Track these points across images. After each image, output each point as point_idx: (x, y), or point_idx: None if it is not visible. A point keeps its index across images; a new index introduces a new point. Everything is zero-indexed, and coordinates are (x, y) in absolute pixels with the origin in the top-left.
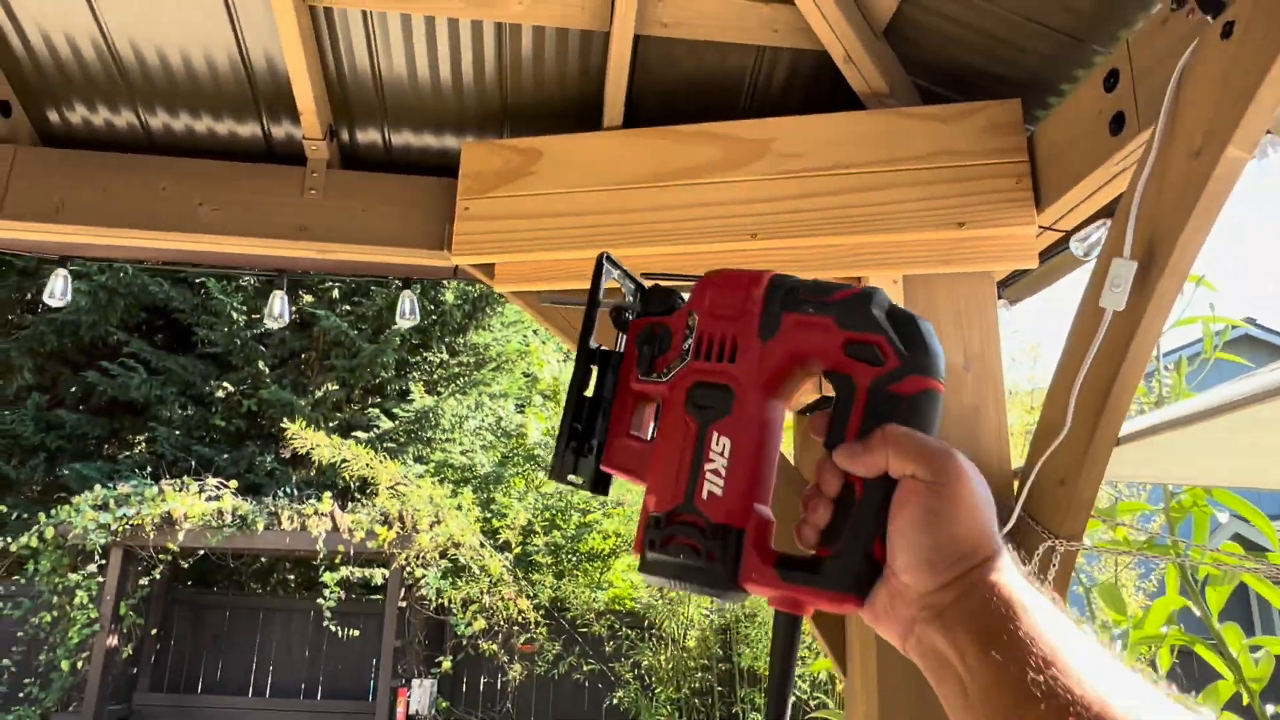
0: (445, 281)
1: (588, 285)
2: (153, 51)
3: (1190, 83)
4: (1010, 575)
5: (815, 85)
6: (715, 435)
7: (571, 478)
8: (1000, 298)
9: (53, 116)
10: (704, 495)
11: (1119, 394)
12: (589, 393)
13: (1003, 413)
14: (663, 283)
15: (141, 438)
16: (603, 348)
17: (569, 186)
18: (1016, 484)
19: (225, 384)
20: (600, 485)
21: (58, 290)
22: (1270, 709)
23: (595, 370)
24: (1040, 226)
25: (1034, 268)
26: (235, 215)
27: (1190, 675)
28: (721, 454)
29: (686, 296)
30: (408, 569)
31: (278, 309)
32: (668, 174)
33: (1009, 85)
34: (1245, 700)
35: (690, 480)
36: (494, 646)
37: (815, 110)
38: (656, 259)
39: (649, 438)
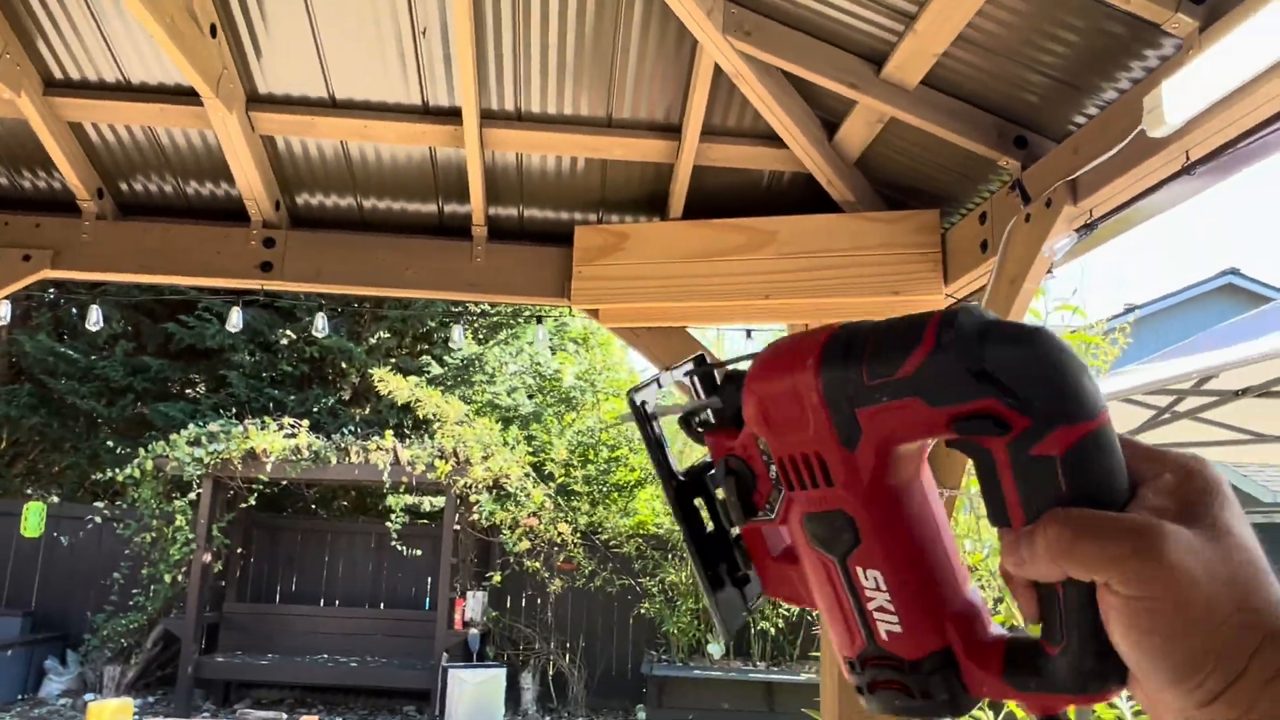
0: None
1: (661, 324)
2: (372, 153)
3: (1011, 243)
4: None
5: (807, 192)
6: (859, 571)
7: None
8: None
9: (300, 202)
10: (883, 636)
11: None
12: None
13: None
14: (718, 370)
15: (215, 381)
16: (696, 471)
17: (648, 259)
18: None
19: (289, 333)
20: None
21: (319, 325)
22: None
23: (701, 502)
24: (946, 295)
25: None
26: (428, 276)
27: None
28: (877, 588)
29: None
30: (461, 496)
31: (456, 336)
32: (712, 252)
33: (934, 198)
34: None
35: (862, 623)
36: (537, 564)
37: (808, 209)
38: (707, 309)
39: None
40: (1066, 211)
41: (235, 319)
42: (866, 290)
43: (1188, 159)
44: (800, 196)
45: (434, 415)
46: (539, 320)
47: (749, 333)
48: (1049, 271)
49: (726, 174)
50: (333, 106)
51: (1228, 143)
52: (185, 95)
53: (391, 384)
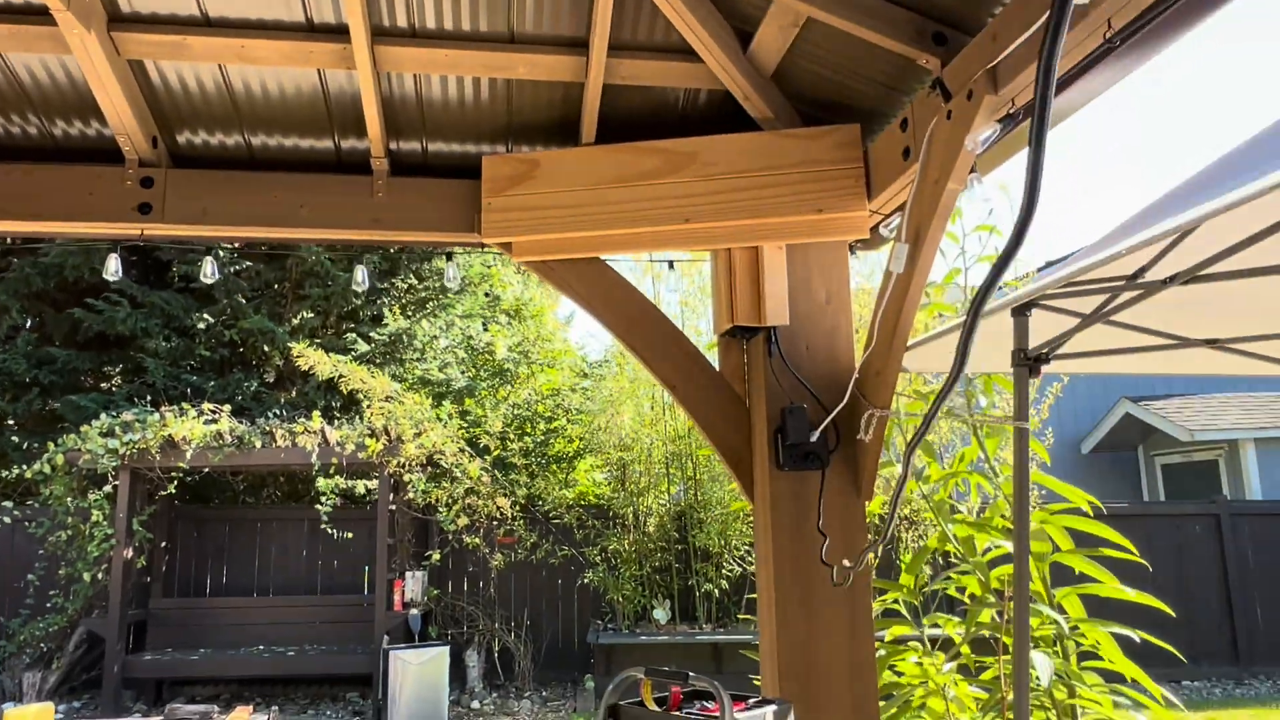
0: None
1: (579, 256)
2: (258, 87)
3: (933, 142)
4: None
5: (725, 110)
6: None
7: None
8: (854, 252)
9: (181, 140)
10: None
11: (904, 320)
12: None
13: (850, 329)
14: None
15: (130, 370)
16: None
17: (561, 187)
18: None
19: (206, 315)
20: None
21: (208, 270)
22: None
23: None
24: (870, 211)
25: (868, 237)
26: (326, 214)
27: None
28: None
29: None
30: (395, 475)
31: (360, 277)
32: (628, 177)
33: (855, 113)
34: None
35: None
36: (477, 540)
37: (726, 129)
38: (625, 236)
39: None
40: (988, 102)
41: (113, 266)
42: (789, 210)
43: (1109, 28)
44: (718, 117)
45: (360, 392)
46: (449, 257)
47: (670, 264)
48: (973, 170)
49: (640, 94)
50: (206, 25)
51: (1149, 6)
52: (36, 15)
53: (311, 359)
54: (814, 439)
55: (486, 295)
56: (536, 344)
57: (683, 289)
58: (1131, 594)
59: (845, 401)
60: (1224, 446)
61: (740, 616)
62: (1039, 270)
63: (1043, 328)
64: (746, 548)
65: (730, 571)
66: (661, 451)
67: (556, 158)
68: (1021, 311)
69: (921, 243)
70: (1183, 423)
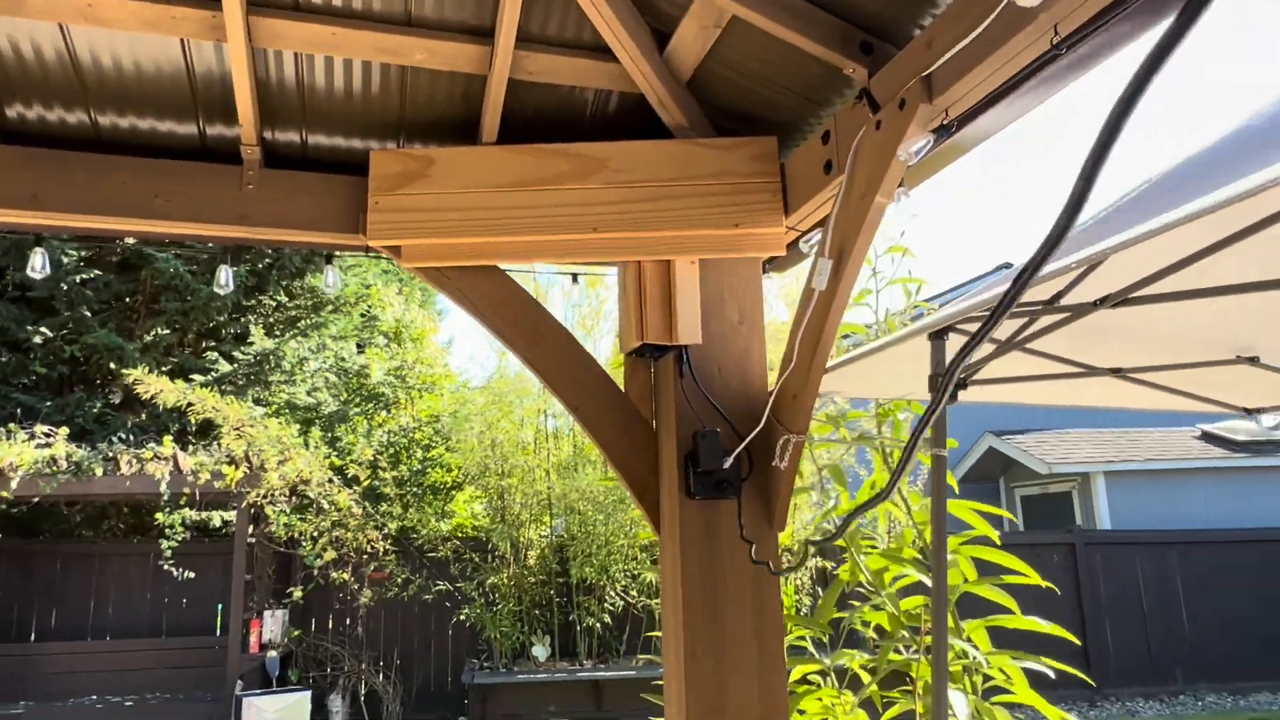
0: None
1: (474, 263)
2: (108, 57)
3: (860, 155)
4: None
5: (637, 117)
6: None
7: None
8: (766, 273)
9: (11, 114)
10: None
11: (825, 339)
12: None
13: (763, 352)
14: None
15: None
16: None
17: (458, 188)
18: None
19: (44, 329)
20: None
21: (37, 264)
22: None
23: None
24: (787, 227)
25: (783, 255)
26: (184, 205)
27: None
28: None
29: None
30: (256, 506)
31: (224, 279)
32: (532, 180)
33: (772, 126)
34: (914, 537)
35: None
36: (345, 575)
37: (639, 135)
38: (527, 244)
39: None
40: (922, 111)
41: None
42: (704, 222)
43: (1056, 34)
44: (629, 123)
45: (215, 419)
46: (329, 260)
47: (575, 277)
48: (901, 185)
49: (548, 93)
50: None
51: (1100, 11)
52: None
53: (153, 385)
54: (727, 465)
55: (364, 316)
56: (416, 367)
57: (584, 307)
58: (1046, 626)
59: (761, 426)
60: (1077, 479)
61: (642, 657)
62: (995, 270)
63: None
64: (629, 580)
65: (613, 605)
66: (543, 482)
67: (454, 156)
68: (939, 335)
69: (846, 258)
70: (1041, 456)
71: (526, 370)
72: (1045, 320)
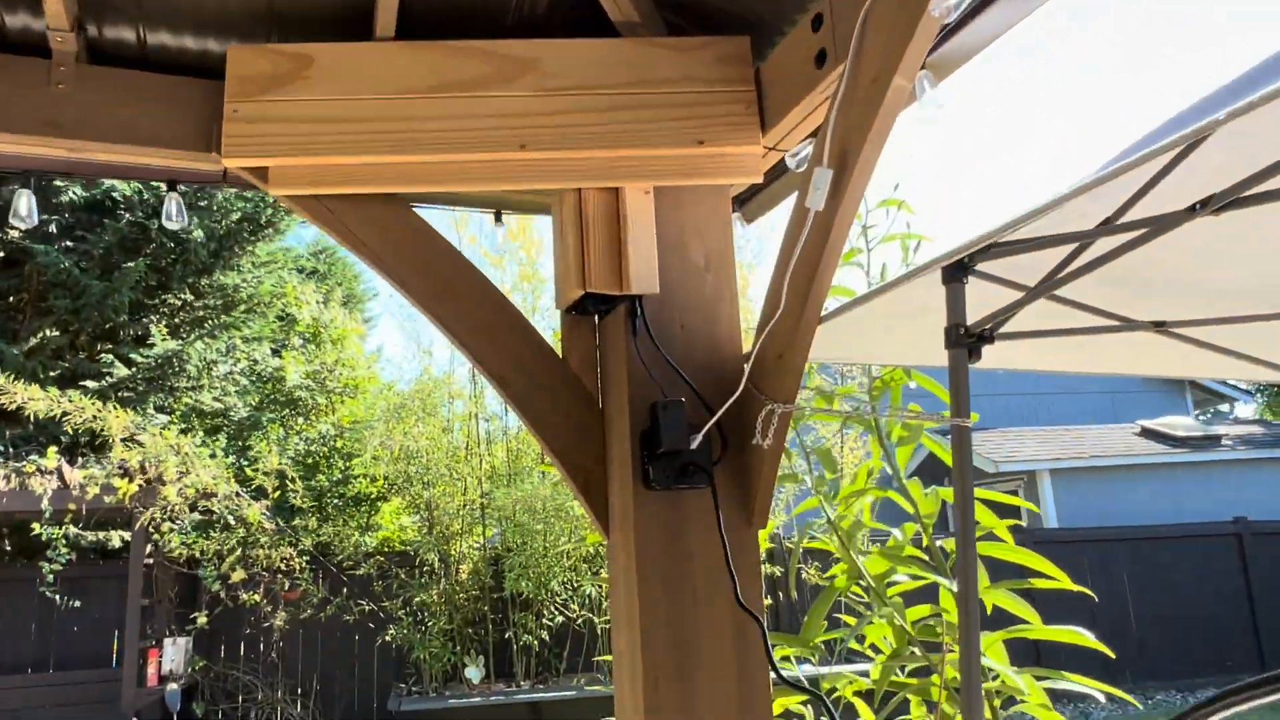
0: (210, 190)
1: (367, 190)
2: None
3: (871, 26)
4: None
5: (575, 10)
6: None
7: None
8: (737, 213)
9: None
10: None
11: (821, 277)
12: None
13: (735, 304)
14: None
15: None
16: None
17: (345, 93)
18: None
19: None
20: None
21: None
22: (939, 540)
23: None
24: (765, 147)
25: (761, 183)
26: None
27: (886, 518)
28: None
29: None
30: (153, 524)
31: (24, 209)
32: (441, 85)
33: (741, 24)
34: (920, 531)
35: None
36: (255, 596)
37: (576, 35)
38: (436, 167)
39: None
40: None
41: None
42: (660, 140)
43: None
44: (565, 23)
45: (98, 429)
46: (171, 187)
47: (498, 214)
48: (923, 68)
49: None
50: None
51: None
52: None
53: (20, 394)
54: (694, 445)
55: (280, 318)
56: (336, 370)
57: (526, 264)
58: (1088, 637)
59: (739, 394)
60: (1024, 477)
61: (563, 670)
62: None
63: (973, 308)
64: (569, 592)
65: (552, 622)
66: (476, 489)
67: (339, 54)
68: (956, 275)
69: (851, 166)
70: (988, 454)
71: (457, 357)
72: (1102, 246)
